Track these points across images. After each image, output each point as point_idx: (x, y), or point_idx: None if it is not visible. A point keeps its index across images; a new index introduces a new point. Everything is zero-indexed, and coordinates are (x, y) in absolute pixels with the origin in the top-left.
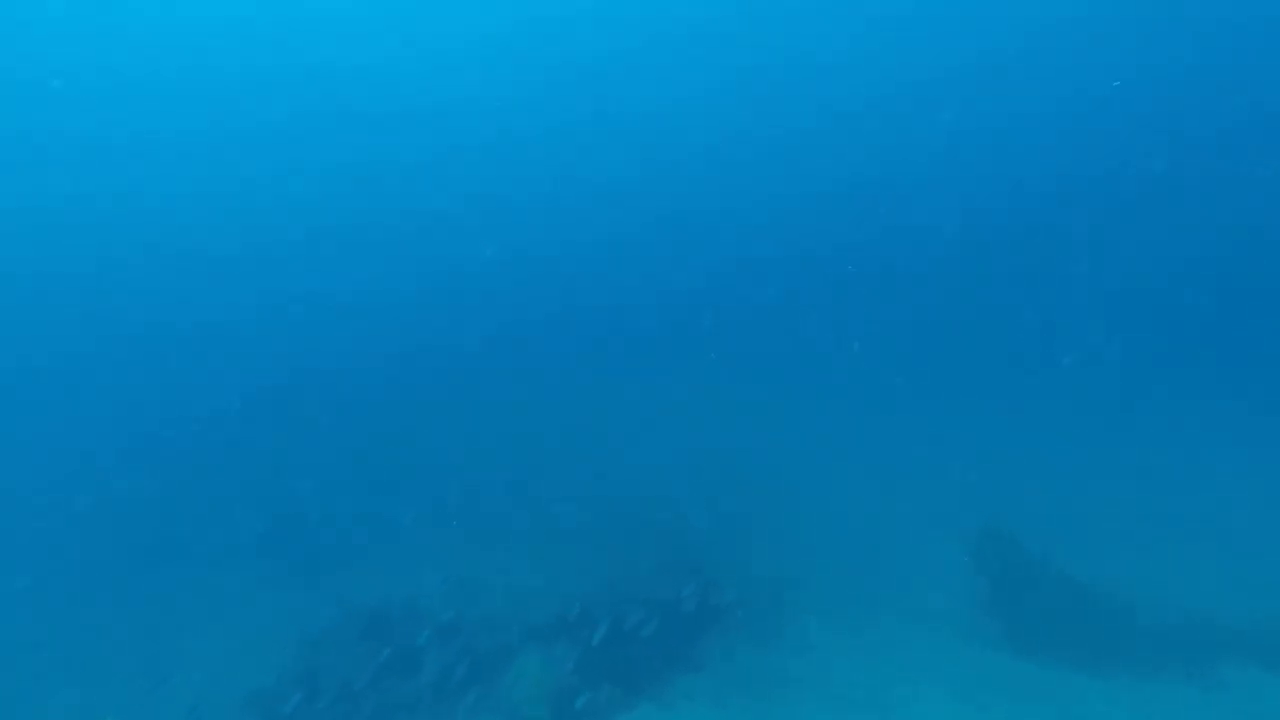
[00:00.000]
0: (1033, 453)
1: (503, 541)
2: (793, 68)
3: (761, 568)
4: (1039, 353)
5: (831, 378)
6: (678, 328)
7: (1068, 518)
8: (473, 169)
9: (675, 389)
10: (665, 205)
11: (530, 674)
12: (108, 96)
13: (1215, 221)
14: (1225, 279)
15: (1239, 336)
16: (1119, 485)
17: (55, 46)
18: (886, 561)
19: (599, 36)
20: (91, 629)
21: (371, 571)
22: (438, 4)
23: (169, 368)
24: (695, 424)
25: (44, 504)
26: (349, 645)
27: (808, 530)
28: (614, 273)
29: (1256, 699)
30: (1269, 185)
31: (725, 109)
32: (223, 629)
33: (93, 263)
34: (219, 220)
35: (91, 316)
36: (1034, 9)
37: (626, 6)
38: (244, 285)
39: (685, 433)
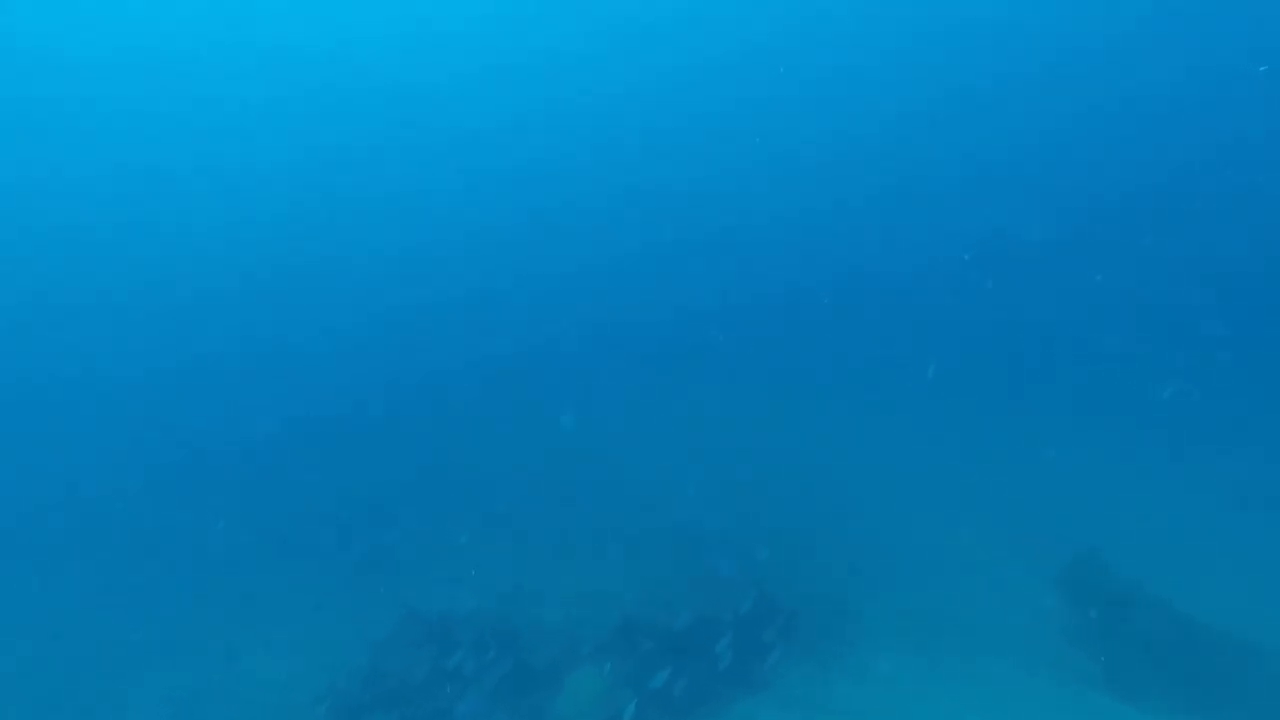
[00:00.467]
0: (1126, 472)
1: (562, 553)
2: (806, 69)
3: (828, 589)
4: (1127, 366)
5: (905, 394)
6: (731, 339)
7: (1166, 544)
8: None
9: (739, 402)
10: (698, 212)
11: (583, 691)
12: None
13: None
14: None
15: None
16: (1224, 510)
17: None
18: (964, 587)
19: (605, 31)
20: (174, 621)
21: (433, 578)
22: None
23: (244, 377)
24: (761, 439)
25: (132, 497)
26: (410, 649)
27: (878, 552)
28: (662, 283)
29: None
30: None
31: (744, 107)
32: (294, 627)
33: (149, 271)
34: (281, 227)
35: (166, 323)
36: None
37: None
38: (310, 295)
39: (750, 448)
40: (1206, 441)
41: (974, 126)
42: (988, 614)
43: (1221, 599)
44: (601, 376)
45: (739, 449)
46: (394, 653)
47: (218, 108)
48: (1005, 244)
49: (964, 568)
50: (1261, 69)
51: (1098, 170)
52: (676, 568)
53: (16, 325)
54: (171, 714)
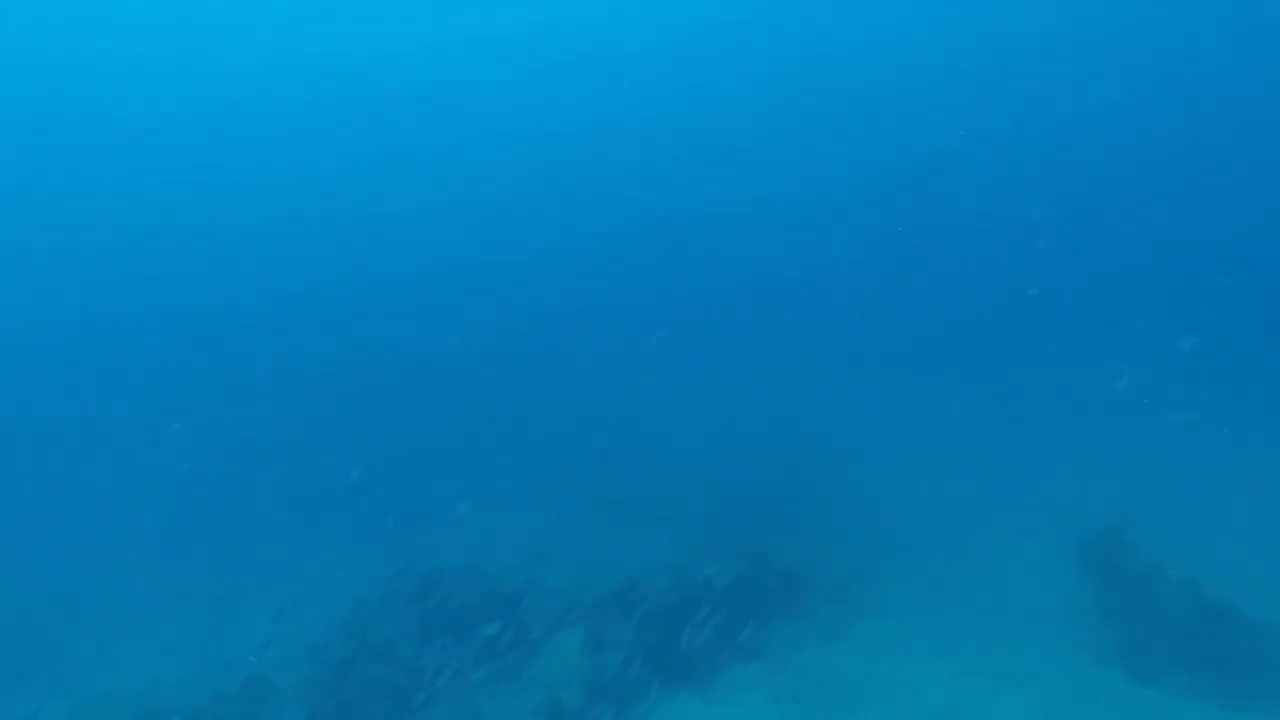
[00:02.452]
0: (1147, 445)
1: (573, 516)
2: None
3: (836, 560)
4: (1151, 338)
5: (919, 364)
6: (758, 311)
7: (1191, 522)
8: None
9: (756, 373)
10: (729, 189)
11: (568, 653)
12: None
13: None
14: None
15: None
16: (1252, 489)
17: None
18: (978, 560)
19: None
20: (178, 570)
21: (442, 536)
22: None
23: (267, 336)
24: (781, 410)
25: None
26: (403, 607)
27: (889, 524)
28: (692, 254)
29: None
30: None
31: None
32: (299, 578)
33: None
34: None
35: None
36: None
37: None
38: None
39: (770, 418)
40: (1236, 418)
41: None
42: (1002, 588)
43: (1247, 580)
44: (631, 345)
45: (759, 419)
46: (383, 609)
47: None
48: (1033, 215)
49: (979, 542)
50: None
51: (1112, 148)
52: (684, 533)
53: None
54: (163, 659)
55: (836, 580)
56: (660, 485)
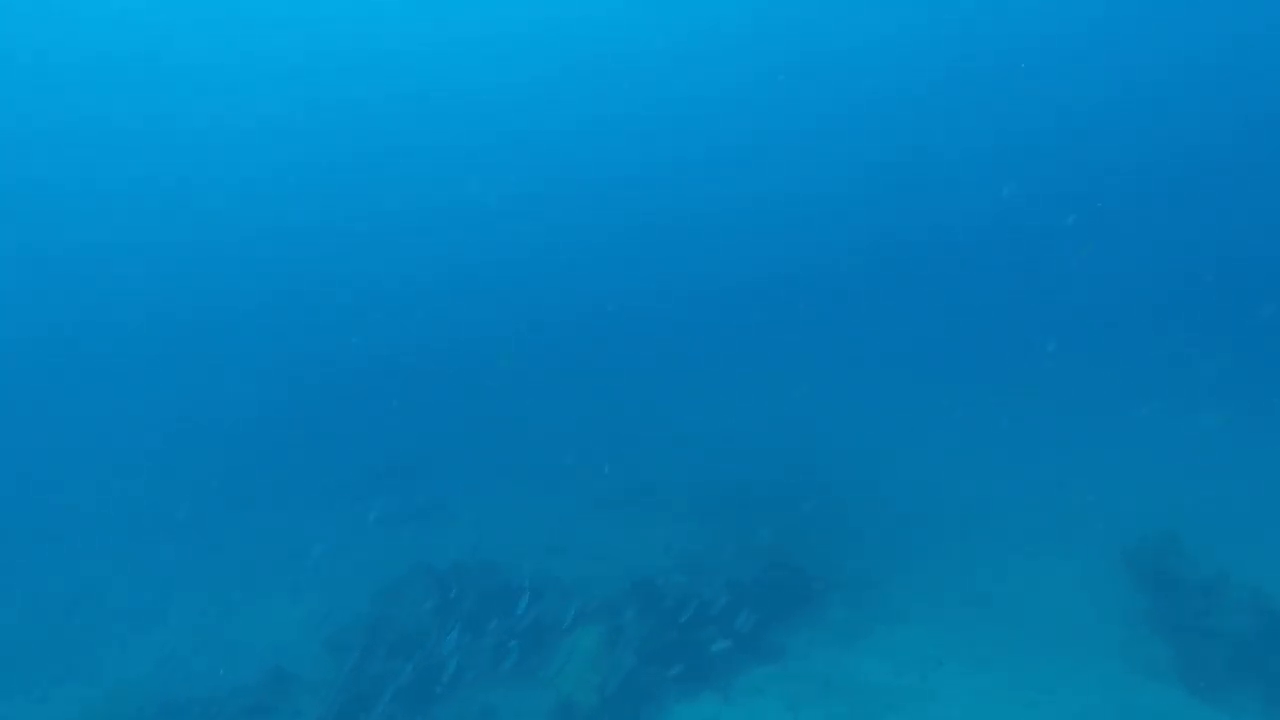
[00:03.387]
0: (1206, 446)
1: (591, 512)
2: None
3: (857, 559)
4: (1205, 331)
5: (951, 365)
6: (788, 311)
7: (1253, 527)
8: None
9: (791, 373)
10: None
11: (583, 651)
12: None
13: None
14: None
15: None
16: None
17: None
18: (1009, 564)
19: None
20: (205, 561)
21: (460, 530)
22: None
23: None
24: (801, 407)
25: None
26: (419, 601)
27: (915, 523)
28: (708, 252)
29: None
30: None
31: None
32: (319, 570)
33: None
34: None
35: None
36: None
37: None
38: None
39: (791, 415)
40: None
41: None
42: (1039, 596)
43: None
44: (660, 343)
45: (785, 418)
46: (401, 603)
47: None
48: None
49: (1015, 547)
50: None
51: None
52: (704, 532)
53: None
54: (188, 648)
55: (859, 583)
56: (681, 483)
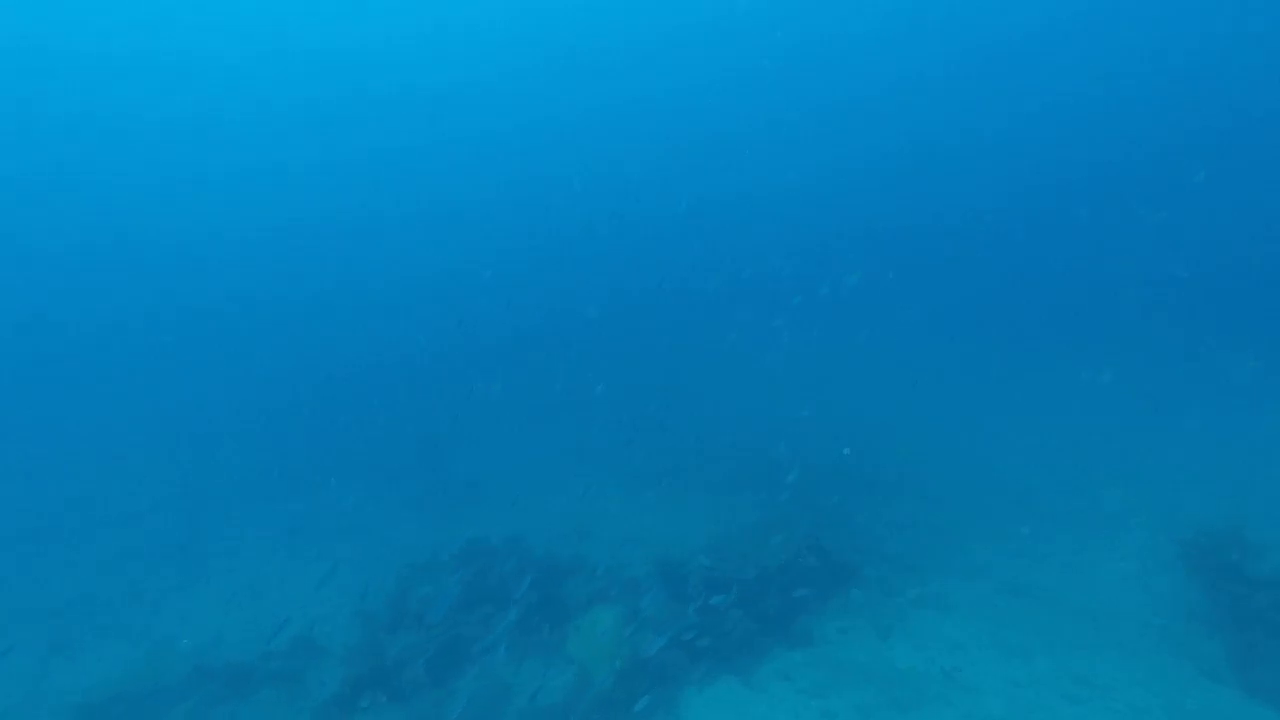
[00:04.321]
0: (1272, 439)
1: (620, 491)
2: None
3: (893, 545)
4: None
5: (994, 343)
6: (826, 292)
7: None
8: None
9: (836, 351)
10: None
11: (604, 630)
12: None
13: None
14: None
15: None
16: None
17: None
18: (1056, 554)
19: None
20: (245, 528)
21: (489, 507)
22: None
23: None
24: (837, 386)
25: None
26: (447, 574)
27: (954, 509)
28: (750, 234)
29: None
30: None
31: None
32: (350, 541)
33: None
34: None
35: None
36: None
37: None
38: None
39: (826, 394)
40: None
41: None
42: (1087, 587)
43: None
44: (692, 326)
45: (819, 397)
46: (428, 576)
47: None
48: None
49: (1062, 536)
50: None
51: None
52: (734, 512)
53: None
54: (223, 613)
55: (895, 567)
56: (713, 462)
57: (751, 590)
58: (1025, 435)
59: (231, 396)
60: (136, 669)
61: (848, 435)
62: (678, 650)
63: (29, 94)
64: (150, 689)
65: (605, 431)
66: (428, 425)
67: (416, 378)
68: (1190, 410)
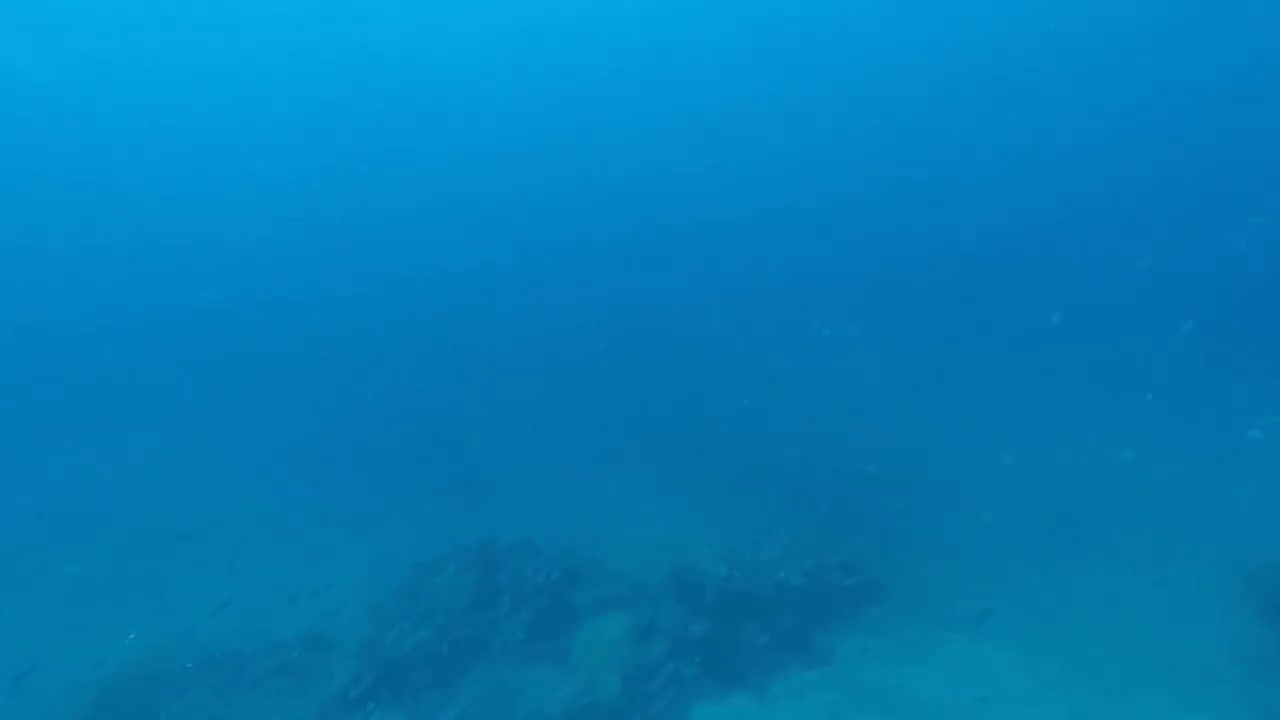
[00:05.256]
0: None
1: (639, 496)
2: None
3: (924, 564)
4: None
5: (1045, 357)
6: (863, 304)
7: None
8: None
9: (872, 364)
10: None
11: (612, 639)
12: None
13: None
14: None
15: None
16: None
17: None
18: (1105, 582)
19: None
20: (267, 521)
21: (512, 508)
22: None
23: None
24: (881, 403)
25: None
26: (459, 574)
27: (993, 529)
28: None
29: None
30: None
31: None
32: (368, 537)
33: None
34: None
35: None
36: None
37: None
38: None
39: (860, 404)
40: None
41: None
42: (1142, 621)
43: None
44: (719, 333)
45: (857, 410)
46: (440, 575)
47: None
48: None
49: (1112, 562)
50: None
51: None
52: (756, 522)
53: None
54: (245, 601)
55: (924, 589)
56: (736, 470)
57: (768, 603)
58: (1072, 457)
59: (247, 393)
60: (148, 656)
61: (880, 447)
62: (688, 662)
63: (134, 98)
64: (161, 677)
65: (625, 435)
66: (448, 424)
67: (441, 377)
68: (1252, 438)
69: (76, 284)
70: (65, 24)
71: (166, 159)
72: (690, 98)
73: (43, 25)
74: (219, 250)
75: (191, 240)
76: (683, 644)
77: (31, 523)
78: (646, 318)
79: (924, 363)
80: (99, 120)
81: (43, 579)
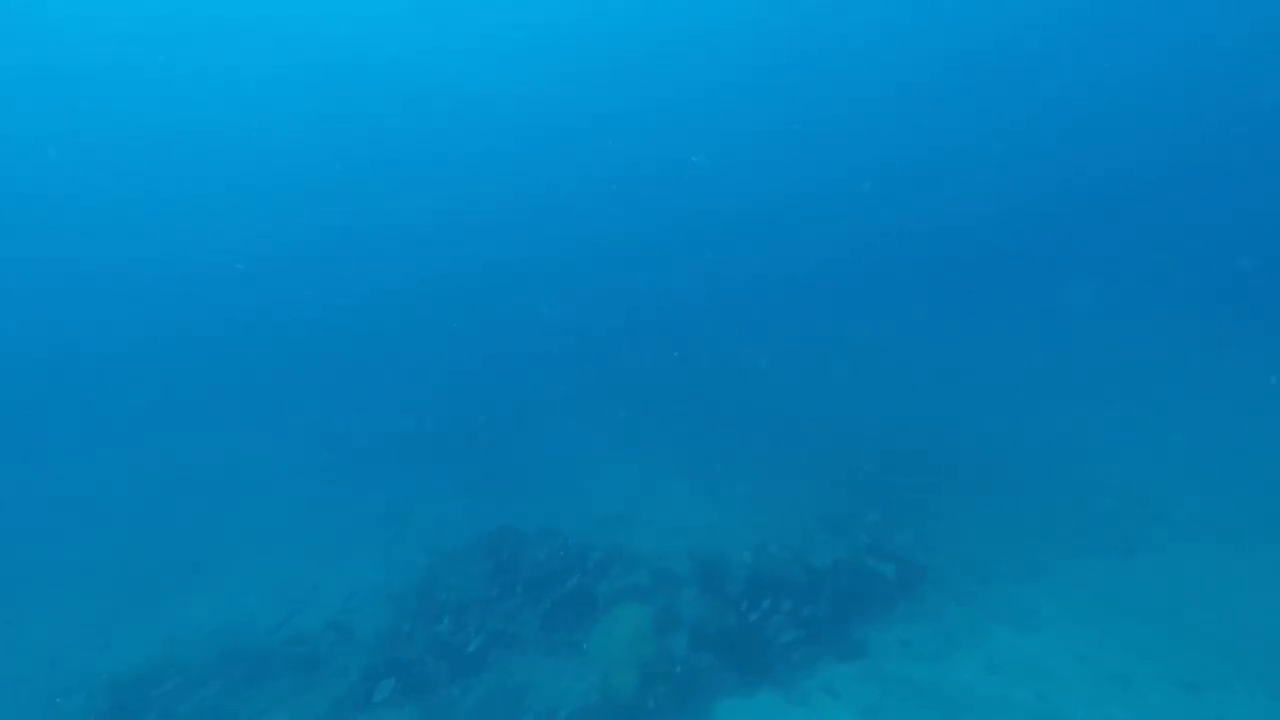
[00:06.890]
0: None
1: (666, 479)
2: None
3: (971, 549)
4: None
5: (1099, 336)
6: (913, 278)
7: None
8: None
9: (925, 347)
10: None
11: (629, 631)
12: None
13: None
14: None
15: None
16: None
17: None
18: (1170, 566)
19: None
20: (285, 515)
21: (536, 496)
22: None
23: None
24: (926, 375)
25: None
26: (479, 562)
27: (1046, 511)
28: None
29: None
30: None
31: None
32: (391, 526)
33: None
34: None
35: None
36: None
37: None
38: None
39: (909, 379)
40: None
41: None
42: (1223, 608)
43: None
44: (755, 315)
45: (900, 382)
46: (459, 566)
47: None
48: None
49: (1178, 546)
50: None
51: None
52: (786, 507)
53: None
54: (259, 593)
55: (971, 575)
56: (764, 451)
57: (800, 591)
58: (1140, 431)
59: (268, 389)
60: (164, 649)
61: (921, 424)
62: (713, 655)
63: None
64: (177, 669)
65: (654, 418)
66: (473, 410)
67: (464, 373)
68: None
69: (93, 292)
70: (66, 25)
71: (185, 164)
72: (691, 88)
73: (44, 29)
74: (249, 249)
75: (219, 244)
76: (705, 635)
77: (52, 513)
78: (669, 305)
79: (970, 338)
80: (108, 126)
81: (62, 572)
